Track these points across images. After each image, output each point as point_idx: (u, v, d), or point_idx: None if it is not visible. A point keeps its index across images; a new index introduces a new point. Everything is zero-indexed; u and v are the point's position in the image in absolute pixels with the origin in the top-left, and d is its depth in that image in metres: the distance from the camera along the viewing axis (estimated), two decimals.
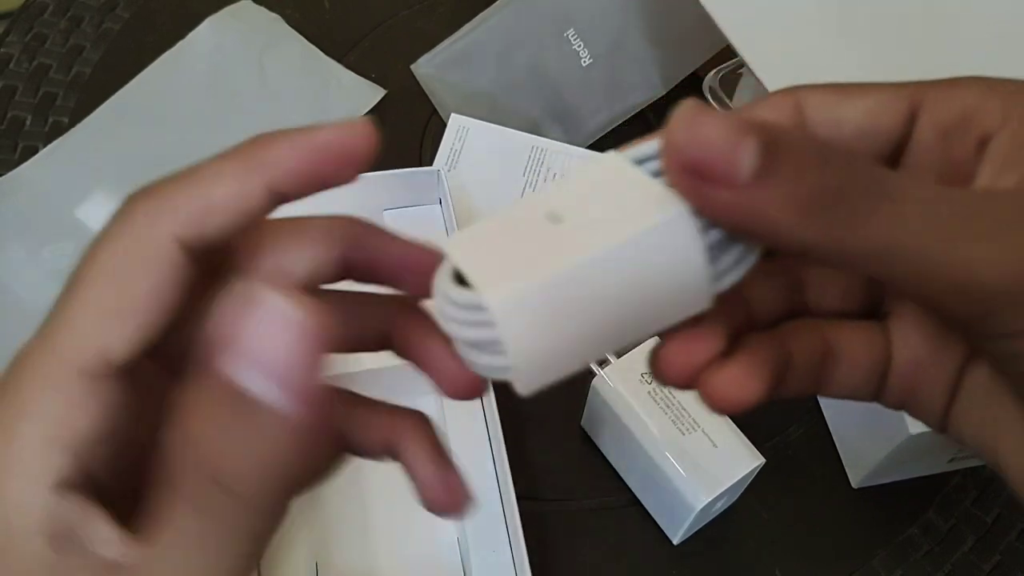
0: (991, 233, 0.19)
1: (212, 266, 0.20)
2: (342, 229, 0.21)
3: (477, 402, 0.43)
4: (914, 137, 0.22)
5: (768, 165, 0.17)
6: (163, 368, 0.21)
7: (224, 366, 0.16)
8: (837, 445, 0.48)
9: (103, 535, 0.18)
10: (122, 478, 0.19)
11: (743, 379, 0.21)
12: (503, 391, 0.45)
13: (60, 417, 0.18)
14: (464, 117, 0.56)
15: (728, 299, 0.21)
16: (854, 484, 0.47)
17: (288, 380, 0.16)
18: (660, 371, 0.21)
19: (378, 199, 0.49)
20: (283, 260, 0.21)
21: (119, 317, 0.18)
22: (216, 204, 0.19)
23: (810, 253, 0.19)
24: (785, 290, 0.24)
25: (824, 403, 0.49)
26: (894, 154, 0.23)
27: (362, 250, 0.21)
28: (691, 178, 0.18)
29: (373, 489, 0.45)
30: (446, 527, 0.44)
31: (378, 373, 0.44)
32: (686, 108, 0.18)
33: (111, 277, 0.19)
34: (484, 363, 0.19)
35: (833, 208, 0.18)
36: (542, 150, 0.56)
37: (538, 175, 0.56)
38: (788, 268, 0.24)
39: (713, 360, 0.21)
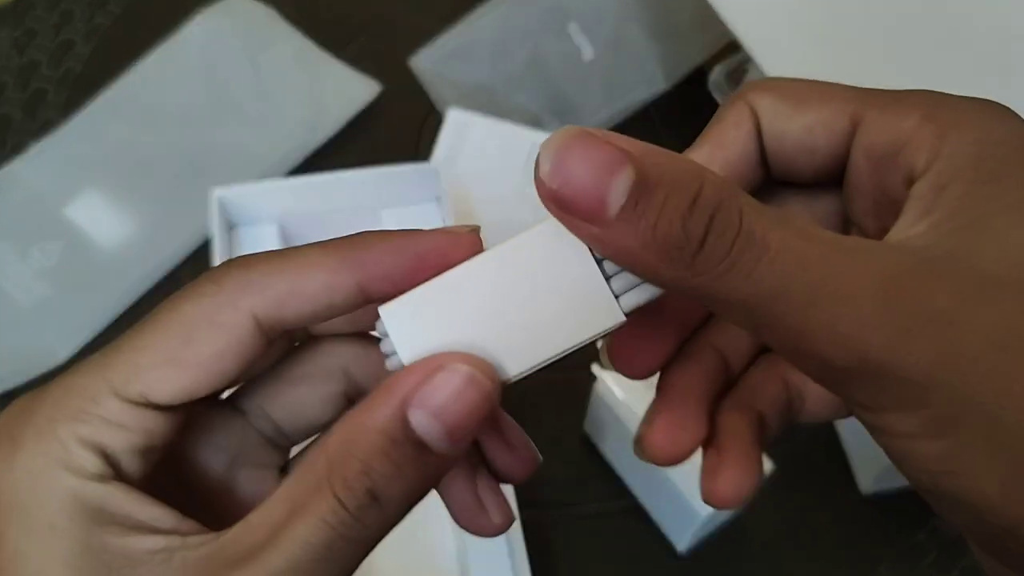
0: (848, 297, 0.18)
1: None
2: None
3: None
4: (851, 158, 0.22)
5: (634, 203, 0.17)
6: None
7: (410, 414, 0.19)
8: (846, 450, 0.47)
9: (141, 509, 0.20)
10: (155, 489, 0.21)
11: (742, 480, 0.22)
12: (504, 397, 0.45)
13: (95, 426, 0.20)
14: (462, 111, 0.55)
15: (702, 358, 0.22)
16: (863, 490, 0.46)
17: (456, 432, 0.19)
18: (648, 456, 0.23)
19: (375, 198, 0.48)
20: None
21: (175, 367, 0.20)
22: (304, 292, 0.21)
23: (678, 294, 0.19)
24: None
25: None
26: (835, 172, 0.22)
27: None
28: (558, 210, 0.18)
29: None
30: (445, 535, 0.43)
31: None
32: (556, 138, 0.18)
33: (183, 329, 0.20)
34: (391, 367, 0.21)
35: (693, 254, 0.18)
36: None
37: None
38: None
39: (697, 442, 0.22)
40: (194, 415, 0.22)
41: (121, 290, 0.51)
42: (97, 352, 0.21)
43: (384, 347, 0.21)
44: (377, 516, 0.20)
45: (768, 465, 0.41)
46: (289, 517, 0.19)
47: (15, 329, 0.50)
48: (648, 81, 0.58)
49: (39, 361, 0.49)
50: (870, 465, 0.45)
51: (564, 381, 0.42)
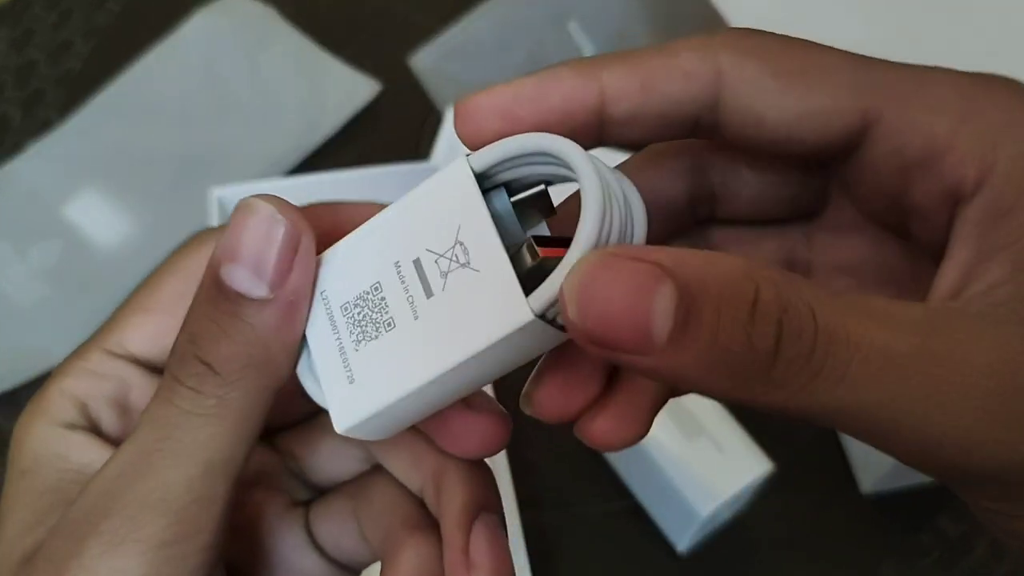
0: (964, 402, 0.15)
1: None
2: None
3: None
4: (863, 162, 0.18)
5: (683, 325, 0.15)
6: None
7: (216, 267, 0.19)
8: (847, 450, 0.47)
9: (94, 454, 0.21)
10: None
11: (619, 427, 0.19)
12: (501, 396, 0.44)
13: (76, 376, 0.21)
14: None
15: None
16: (864, 489, 0.46)
17: (262, 268, 0.19)
18: (534, 412, 0.20)
19: (374, 197, 0.48)
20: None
21: (143, 313, 0.22)
22: None
23: (762, 410, 0.16)
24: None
25: None
26: (814, 164, 0.19)
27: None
28: (600, 351, 0.15)
29: None
30: None
31: None
32: (577, 269, 0.15)
33: (154, 281, 0.22)
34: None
35: (767, 368, 0.15)
36: None
37: None
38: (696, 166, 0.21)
39: (590, 400, 0.19)
40: None
41: (120, 289, 0.51)
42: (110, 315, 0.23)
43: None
44: (216, 384, 0.19)
45: (769, 465, 0.41)
46: (147, 405, 0.20)
47: (14, 328, 0.50)
48: None
49: (38, 360, 0.49)
50: (871, 465, 0.45)
51: None
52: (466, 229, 0.17)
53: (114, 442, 0.21)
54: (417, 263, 0.18)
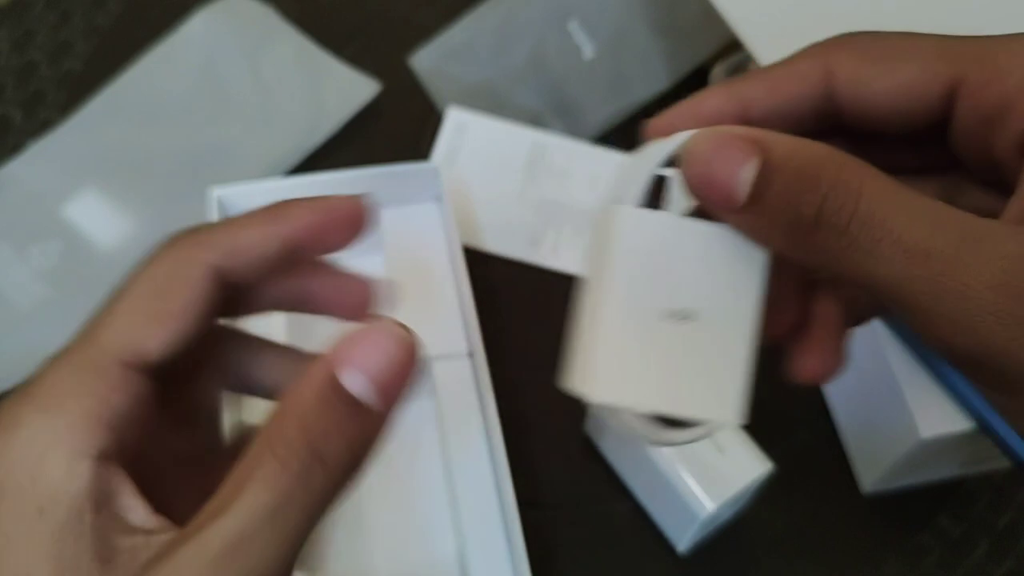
0: (970, 292, 0.18)
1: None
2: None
3: (476, 406, 0.42)
4: (954, 122, 0.21)
5: (757, 194, 0.19)
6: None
7: (335, 366, 0.21)
8: (847, 449, 0.47)
9: (130, 503, 0.21)
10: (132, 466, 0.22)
11: (829, 361, 0.24)
12: (504, 397, 0.44)
13: (102, 397, 0.21)
14: (462, 111, 0.55)
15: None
16: (865, 489, 0.46)
17: (386, 388, 0.21)
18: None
19: (375, 197, 0.48)
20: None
21: (158, 321, 0.22)
22: (242, 246, 0.23)
23: (818, 270, 0.21)
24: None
25: (834, 406, 0.48)
26: (934, 133, 0.22)
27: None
28: (705, 202, 0.21)
29: (370, 496, 0.44)
30: (445, 535, 0.43)
31: None
32: (696, 139, 0.21)
33: (154, 289, 0.23)
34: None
35: (807, 233, 0.19)
36: (544, 145, 0.55)
37: (540, 171, 0.55)
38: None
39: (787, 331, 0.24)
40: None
41: None
42: (84, 325, 0.23)
43: None
44: (322, 475, 0.20)
45: (769, 465, 0.41)
46: (236, 488, 0.20)
47: (14, 329, 0.50)
48: (650, 79, 0.58)
49: (38, 362, 0.49)
50: (872, 465, 0.45)
51: None
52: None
53: (131, 459, 0.21)
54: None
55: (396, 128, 0.57)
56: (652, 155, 0.23)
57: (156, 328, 0.22)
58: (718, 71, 0.47)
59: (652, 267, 0.22)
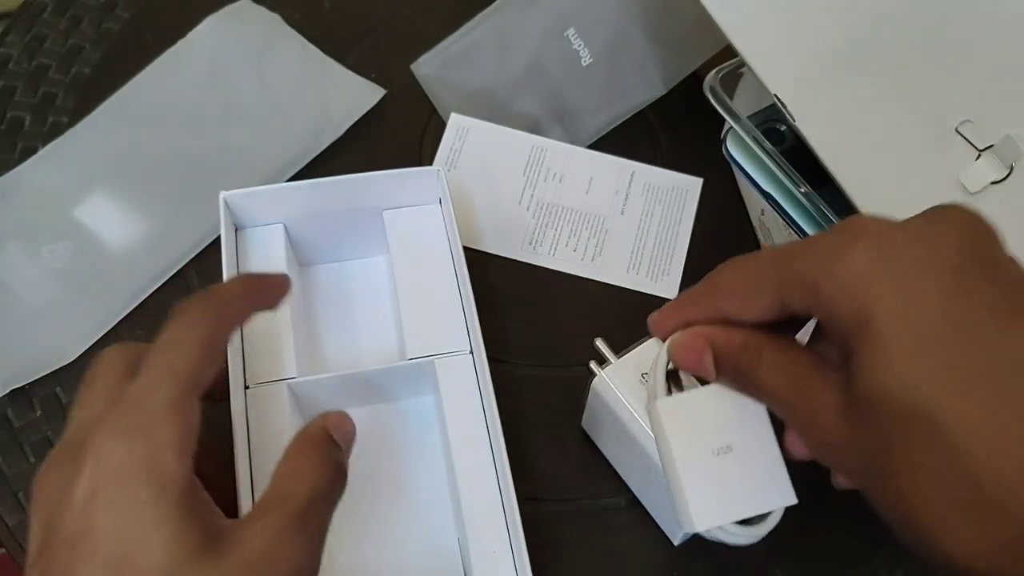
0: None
1: None
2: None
3: (477, 403, 0.43)
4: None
5: (718, 367, 0.33)
6: None
7: (327, 428, 0.35)
8: None
9: (211, 505, 0.31)
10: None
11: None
12: (503, 394, 0.45)
13: (188, 419, 0.30)
14: (464, 116, 0.56)
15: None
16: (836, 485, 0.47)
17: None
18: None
19: (378, 199, 0.49)
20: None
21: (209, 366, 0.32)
22: (202, 369, 0.32)
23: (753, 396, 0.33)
24: None
25: None
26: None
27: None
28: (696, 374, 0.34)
29: (374, 488, 0.45)
30: (446, 527, 0.44)
31: (379, 372, 0.44)
32: (674, 339, 0.34)
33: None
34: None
35: (749, 380, 0.32)
36: (542, 150, 0.56)
37: (538, 175, 0.56)
38: None
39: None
40: None
41: (129, 290, 0.52)
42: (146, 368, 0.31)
43: None
44: (320, 510, 0.33)
45: None
46: (289, 480, 0.33)
47: (25, 328, 0.50)
48: (647, 85, 0.59)
49: (49, 360, 0.49)
50: None
51: (562, 378, 0.43)
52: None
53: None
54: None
55: (399, 133, 0.58)
56: (660, 359, 0.34)
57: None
58: (711, 77, 0.48)
59: (692, 428, 0.33)
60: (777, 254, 0.30)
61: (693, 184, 0.56)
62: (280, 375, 0.43)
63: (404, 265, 0.47)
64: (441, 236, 0.48)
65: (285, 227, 0.48)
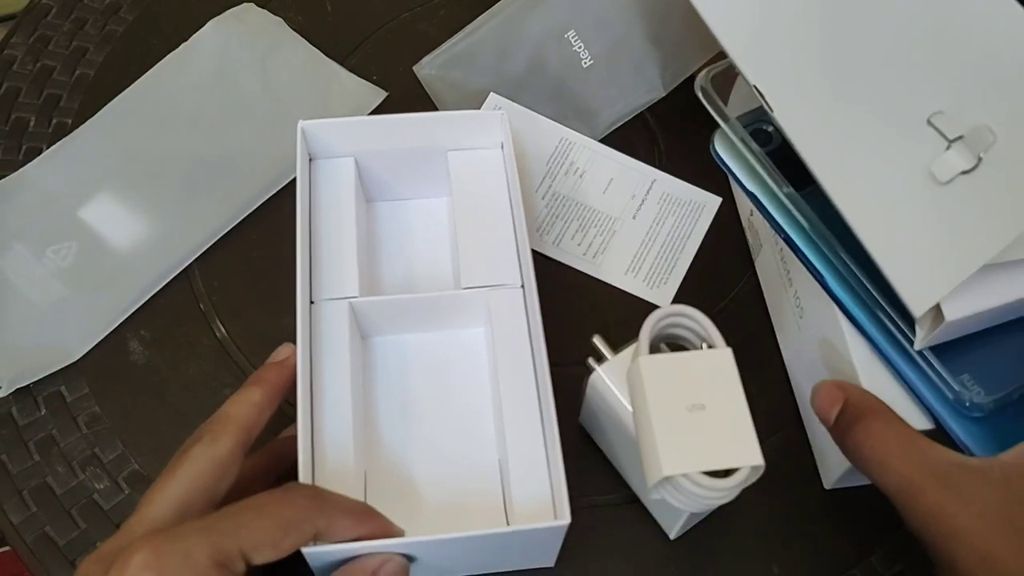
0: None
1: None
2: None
3: (525, 335, 0.45)
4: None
5: (838, 421, 0.39)
6: None
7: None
8: (813, 450, 0.48)
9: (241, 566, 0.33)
10: None
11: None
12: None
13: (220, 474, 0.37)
14: (501, 97, 0.57)
15: None
16: (827, 485, 0.47)
17: None
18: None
19: (443, 139, 0.50)
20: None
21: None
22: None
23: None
24: None
25: (804, 414, 0.49)
26: None
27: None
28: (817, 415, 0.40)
29: (424, 403, 0.47)
30: (488, 446, 0.46)
31: (435, 299, 0.47)
32: (818, 386, 0.39)
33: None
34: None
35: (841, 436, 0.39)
36: (570, 143, 0.57)
37: (560, 167, 0.56)
38: None
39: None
40: None
41: (134, 290, 0.52)
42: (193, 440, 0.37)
43: None
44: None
45: (759, 460, 0.42)
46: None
47: (30, 328, 0.50)
48: (646, 87, 0.59)
49: (53, 359, 0.50)
50: (833, 466, 0.46)
51: (560, 375, 0.43)
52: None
53: None
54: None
55: None
56: (649, 324, 0.37)
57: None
58: (703, 77, 0.48)
59: (669, 385, 0.36)
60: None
61: (711, 201, 0.56)
62: (343, 294, 0.45)
63: (463, 201, 0.49)
64: (500, 178, 0.50)
65: (356, 160, 0.50)
